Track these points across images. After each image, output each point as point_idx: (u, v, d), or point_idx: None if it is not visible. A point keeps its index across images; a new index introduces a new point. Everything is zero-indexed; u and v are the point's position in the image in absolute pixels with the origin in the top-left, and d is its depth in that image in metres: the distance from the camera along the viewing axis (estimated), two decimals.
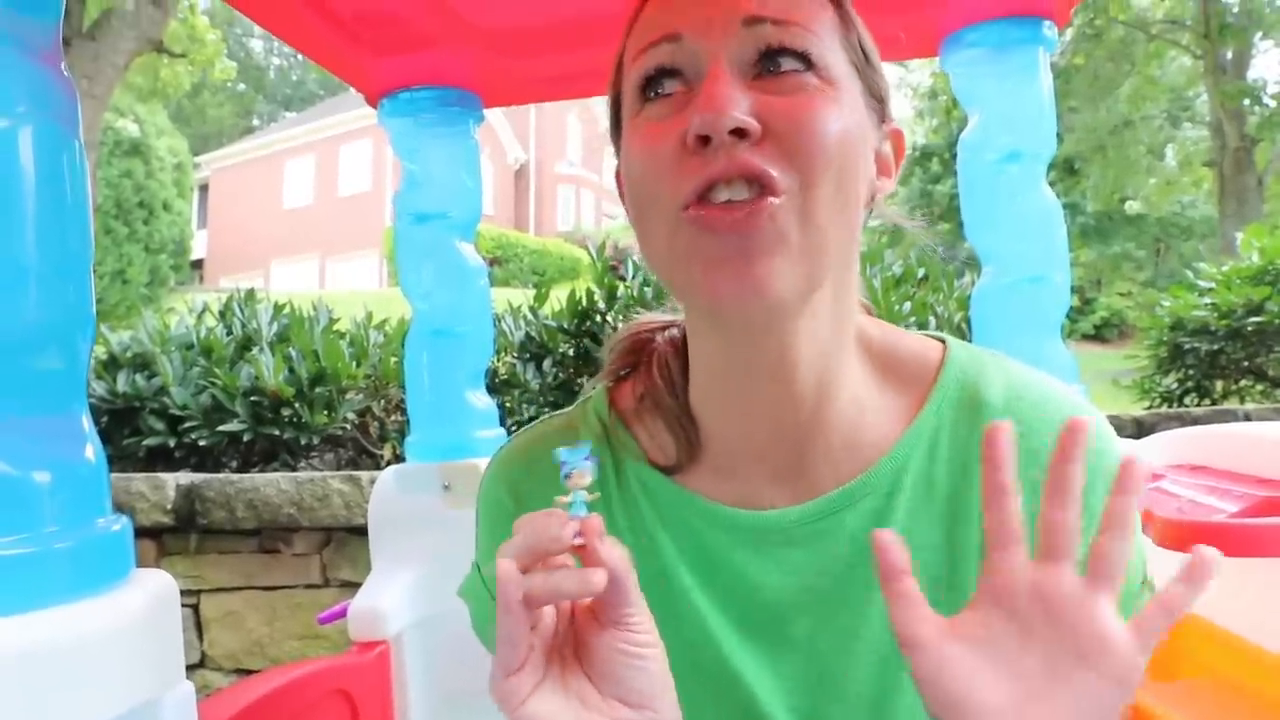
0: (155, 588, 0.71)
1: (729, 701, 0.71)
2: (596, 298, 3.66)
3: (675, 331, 0.80)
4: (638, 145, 0.65)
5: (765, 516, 0.71)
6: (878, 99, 0.69)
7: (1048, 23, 1.42)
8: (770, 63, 0.62)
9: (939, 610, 0.68)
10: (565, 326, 3.66)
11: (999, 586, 0.56)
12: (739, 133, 0.59)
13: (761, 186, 0.59)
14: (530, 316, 3.80)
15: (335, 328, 3.89)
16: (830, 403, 0.70)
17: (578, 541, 0.55)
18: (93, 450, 0.70)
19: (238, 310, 3.93)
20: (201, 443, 3.33)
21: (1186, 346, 4.39)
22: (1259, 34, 16.60)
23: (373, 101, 1.66)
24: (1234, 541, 0.90)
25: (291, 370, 3.40)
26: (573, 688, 0.57)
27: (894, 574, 0.56)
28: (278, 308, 3.92)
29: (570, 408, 0.84)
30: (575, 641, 0.59)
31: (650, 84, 0.65)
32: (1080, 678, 0.53)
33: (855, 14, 0.69)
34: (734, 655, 0.71)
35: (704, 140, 0.59)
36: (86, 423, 0.71)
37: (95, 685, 0.64)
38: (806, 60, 0.62)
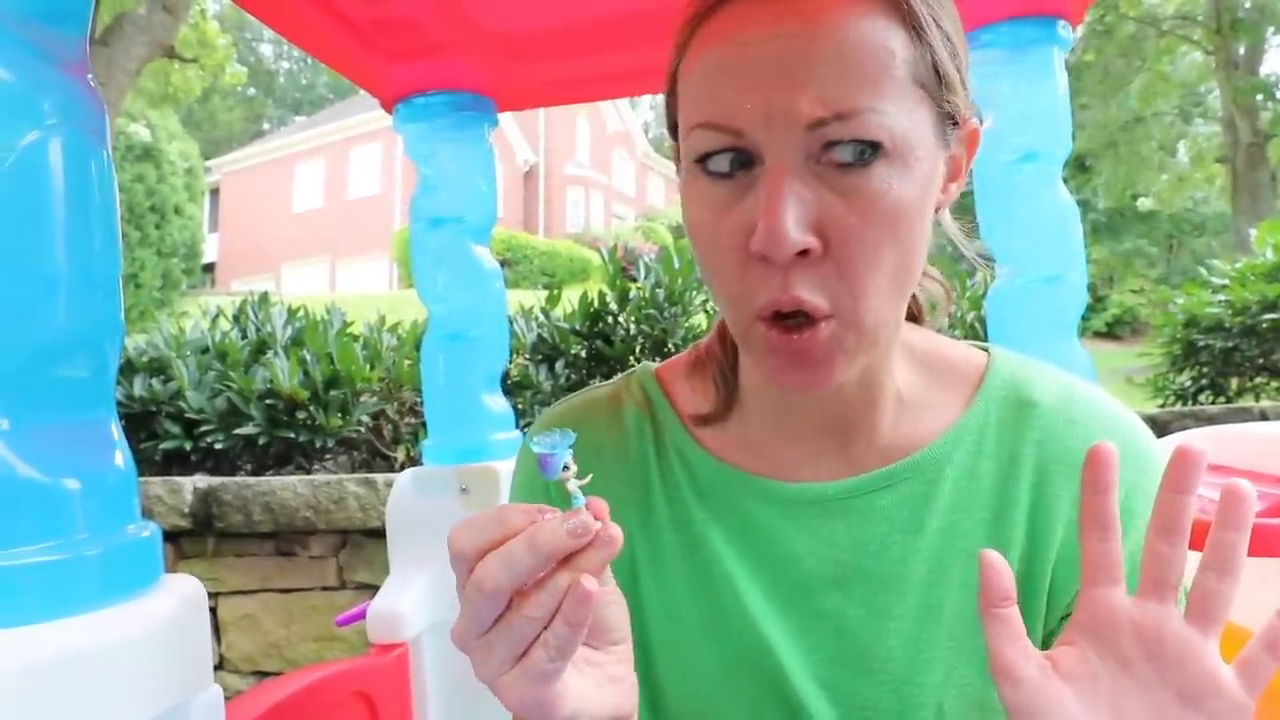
0: (184, 593, 0.72)
1: (757, 669, 0.72)
2: (609, 299, 3.66)
3: None
4: (704, 219, 0.63)
5: (802, 488, 0.72)
6: (949, 117, 0.64)
7: (1062, 22, 1.42)
8: (833, 151, 0.58)
9: (961, 597, 0.69)
10: (577, 328, 3.66)
11: (1099, 623, 0.55)
12: (801, 252, 0.58)
13: (809, 315, 0.60)
14: (542, 318, 3.81)
15: (349, 331, 3.91)
16: (875, 400, 0.72)
17: (598, 526, 0.53)
18: (122, 457, 0.71)
19: (252, 314, 3.94)
20: (217, 446, 3.35)
21: (1200, 344, 4.36)
22: (1271, 29, 16.50)
23: (388, 107, 1.67)
24: (1256, 541, 0.90)
25: (306, 373, 3.41)
26: (578, 659, 0.58)
27: (997, 599, 0.55)
28: (292, 311, 3.93)
29: (614, 380, 0.85)
30: None
31: (708, 158, 0.62)
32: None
33: (933, 18, 0.62)
34: (764, 624, 0.72)
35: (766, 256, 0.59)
36: (115, 430, 0.72)
37: (126, 690, 0.65)
38: (873, 145, 0.58)
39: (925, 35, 0.61)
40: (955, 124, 0.65)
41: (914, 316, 0.82)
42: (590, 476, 0.56)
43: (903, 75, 0.59)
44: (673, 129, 0.71)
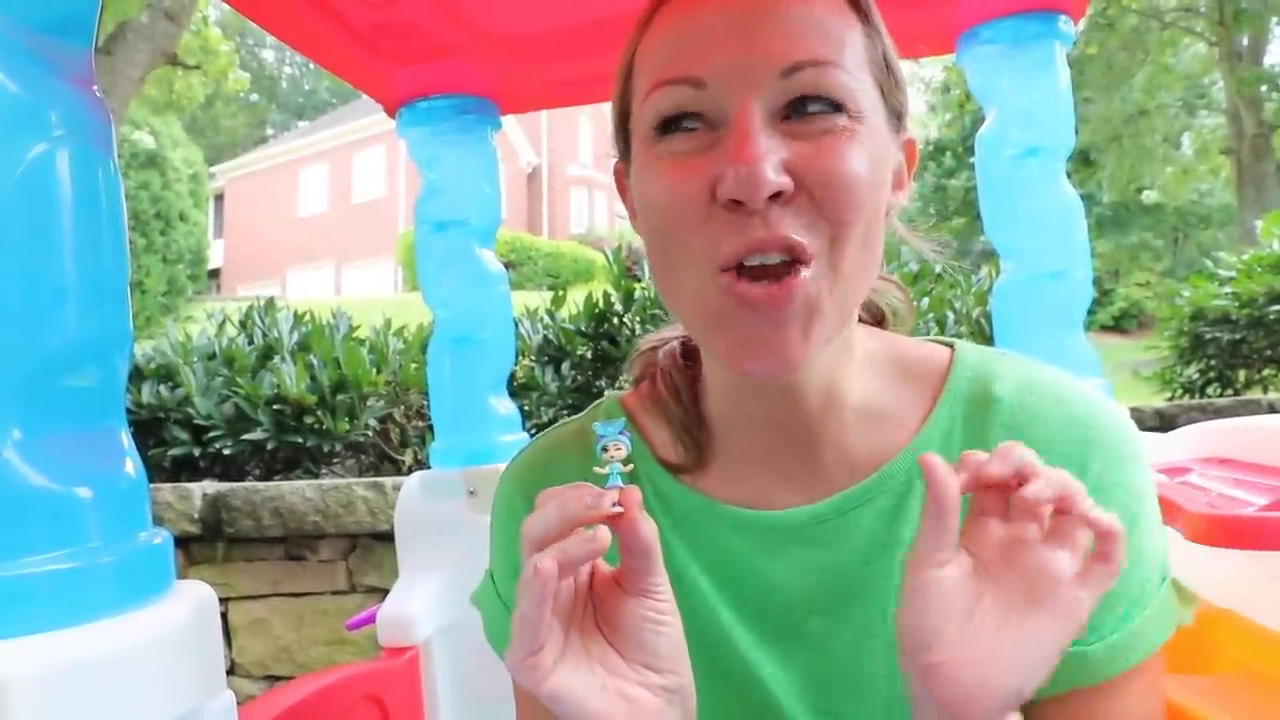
0: (196, 599, 0.72)
1: (748, 700, 0.71)
2: (614, 300, 3.66)
3: (676, 344, 0.82)
4: (659, 183, 0.63)
5: (778, 516, 0.71)
6: (896, 114, 0.67)
7: (1064, 17, 1.42)
8: (800, 107, 0.60)
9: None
10: (583, 329, 3.66)
11: (971, 540, 0.58)
12: (774, 195, 0.58)
13: (794, 256, 0.59)
14: (548, 319, 3.81)
15: (355, 335, 3.92)
16: (837, 410, 0.71)
17: (615, 511, 0.55)
18: (132, 465, 0.72)
19: (258, 319, 3.95)
20: (226, 452, 3.36)
21: (1208, 336, 4.36)
22: (1275, 19, 16.44)
23: (391, 111, 1.67)
24: (1267, 535, 0.90)
25: (313, 378, 3.42)
26: (595, 654, 0.58)
27: (944, 509, 0.56)
28: (298, 316, 3.94)
29: (581, 414, 0.85)
30: (596, 609, 0.60)
31: (668, 122, 0.63)
32: (1032, 620, 0.55)
33: (879, 20, 0.66)
34: (750, 654, 0.71)
35: (738, 202, 0.59)
36: (125, 438, 0.72)
37: (140, 697, 0.65)
38: (838, 104, 0.60)
39: (874, 25, 0.64)
40: (900, 125, 0.68)
41: (878, 321, 0.82)
42: (631, 467, 0.59)
43: (860, 52, 0.62)
44: (622, 118, 0.71)
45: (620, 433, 0.58)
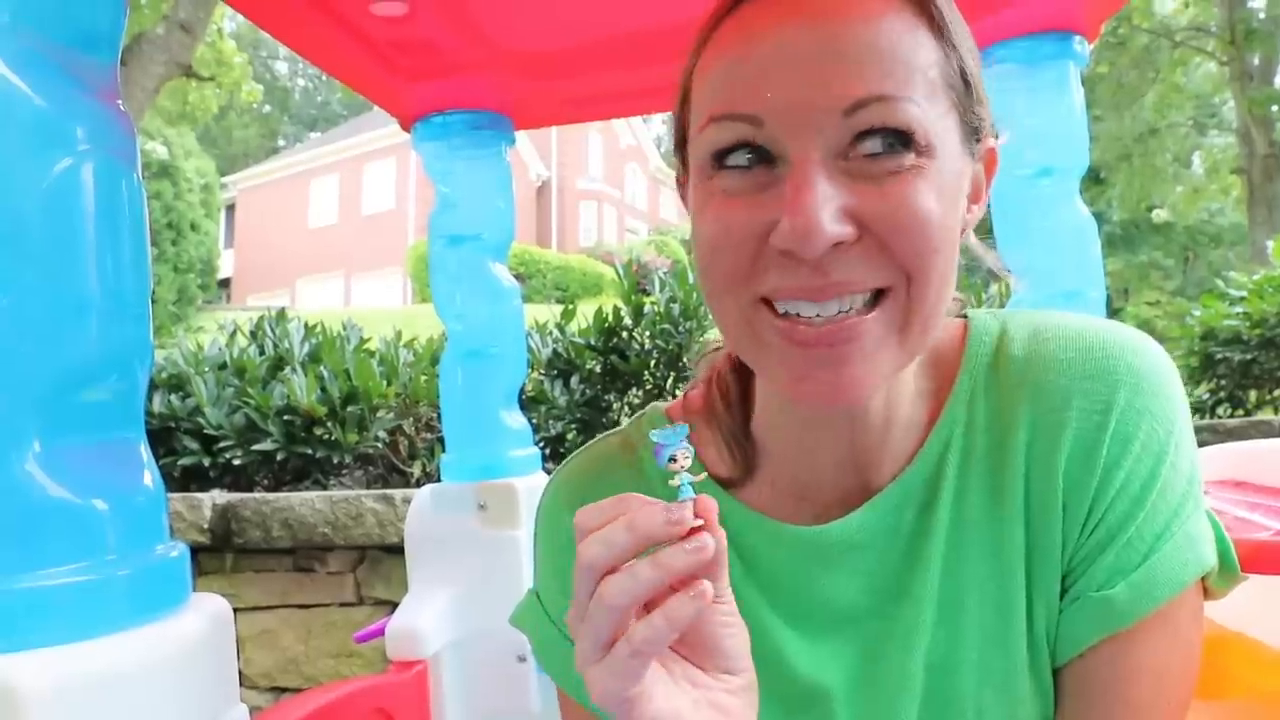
0: (212, 612, 0.72)
1: (804, 712, 0.70)
2: (623, 314, 3.67)
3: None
4: (713, 221, 0.60)
5: (828, 531, 0.69)
6: (973, 129, 0.63)
7: (1078, 38, 1.43)
8: (864, 143, 0.56)
9: (983, 588, 0.66)
10: (592, 343, 3.67)
11: None
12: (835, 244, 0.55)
13: (854, 303, 0.57)
14: (557, 333, 3.82)
15: (365, 347, 3.93)
16: (893, 424, 0.69)
17: (697, 524, 0.52)
18: (150, 477, 0.72)
19: (269, 330, 3.97)
20: (235, 462, 3.36)
21: (1218, 356, 4.33)
22: None
23: (406, 126, 1.68)
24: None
25: (323, 389, 3.43)
26: (676, 672, 0.57)
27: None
28: (309, 328, 3.95)
29: (623, 426, 0.82)
30: None
31: (724, 154, 0.59)
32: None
33: (957, 28, 0.61)
34: (806, 666, 0.70)
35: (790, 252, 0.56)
36: (144, 450, 0.73)
37: (155, 710, 0.65)
38: (906, 139, 0.56)
39: (950, 38, 0.60)
40: (978, 139, 0.64)
41: None
42: (704, 475, 0.56)
43: (934, 77, 0.58)
44: (681, 143, 0.68)
45: (684, 439, 0.55)
